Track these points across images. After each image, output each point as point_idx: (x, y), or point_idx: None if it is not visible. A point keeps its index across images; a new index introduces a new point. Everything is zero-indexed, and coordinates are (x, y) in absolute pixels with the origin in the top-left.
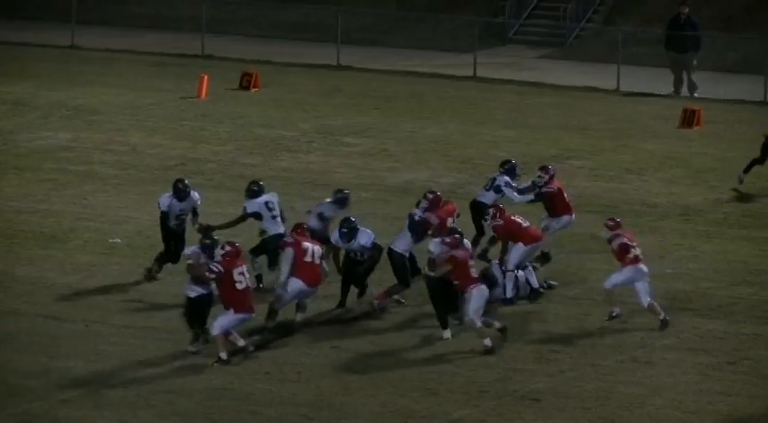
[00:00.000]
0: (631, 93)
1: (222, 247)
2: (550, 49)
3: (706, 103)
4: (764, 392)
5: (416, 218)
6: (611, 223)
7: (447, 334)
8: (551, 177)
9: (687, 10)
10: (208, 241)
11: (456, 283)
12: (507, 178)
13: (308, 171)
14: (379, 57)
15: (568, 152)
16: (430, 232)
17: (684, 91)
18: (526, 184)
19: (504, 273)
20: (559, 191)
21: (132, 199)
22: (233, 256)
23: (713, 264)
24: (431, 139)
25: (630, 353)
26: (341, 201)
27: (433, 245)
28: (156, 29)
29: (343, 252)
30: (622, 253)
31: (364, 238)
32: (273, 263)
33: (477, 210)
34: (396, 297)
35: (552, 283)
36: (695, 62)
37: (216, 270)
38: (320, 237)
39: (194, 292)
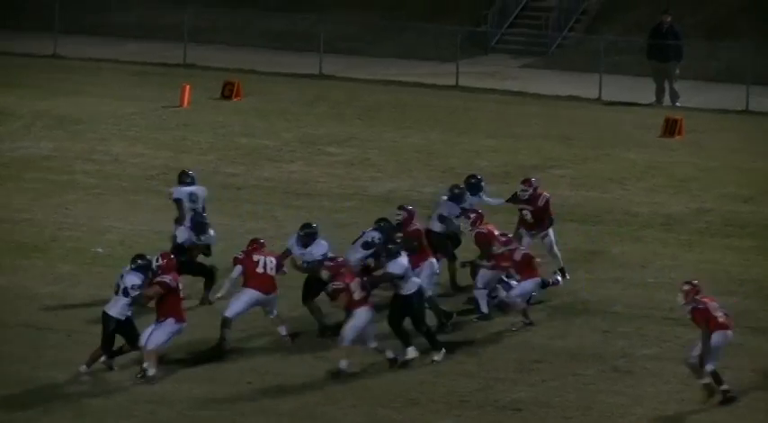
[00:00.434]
0: (613, 102)
1: (157, 260)
2: (533, 59)
3: (688, 112)
4: (746, 402)
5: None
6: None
7: (412, 352)
8: (536, 190)
9: (669, 19)
10: (141, 262)
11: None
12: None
13: (291, 180)
14: (361, 66)
15: (550, 161)
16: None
17: (666, 100)
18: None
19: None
20: (547, 203)
21: (114, 208)
22: (172, 267)
23: (695, 273)
24: (413, 148)
25: (612, 363)
26: (457, 196)
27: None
28: (138, 38)
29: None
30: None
31: (319, 249)
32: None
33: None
34: None
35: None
36: (677, 71)
37: (171, 284)
38: (450, 236)
39: (125, 314)
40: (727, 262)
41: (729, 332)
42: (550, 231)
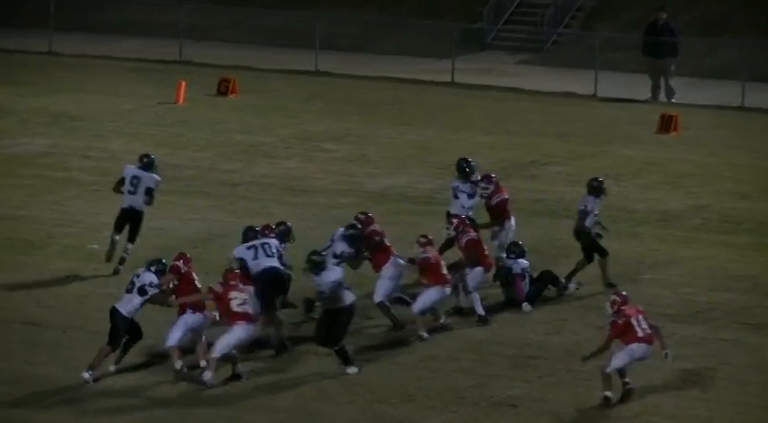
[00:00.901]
0: (609, 98)
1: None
2: (528, 55)
3: (684, 108)
4: (743, 398)
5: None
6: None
7: (352, 369)
8: (497, 185)
9: (665, 16)
10: (159, 266)
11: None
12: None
13: (287, 177)
14: (358, 63)
15: (547, 158)
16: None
17: (662, 96)
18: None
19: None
20: (507, 198)
21: (111, 205)
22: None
23: (692, 269)
24: (410, 144)
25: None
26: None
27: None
28: (134, 35)
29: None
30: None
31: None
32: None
33: None
34: None
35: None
36: (673, 68)
37: (182, 268)
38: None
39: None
40: (724, 258)
41: (649, 347)
42: (502, 232)
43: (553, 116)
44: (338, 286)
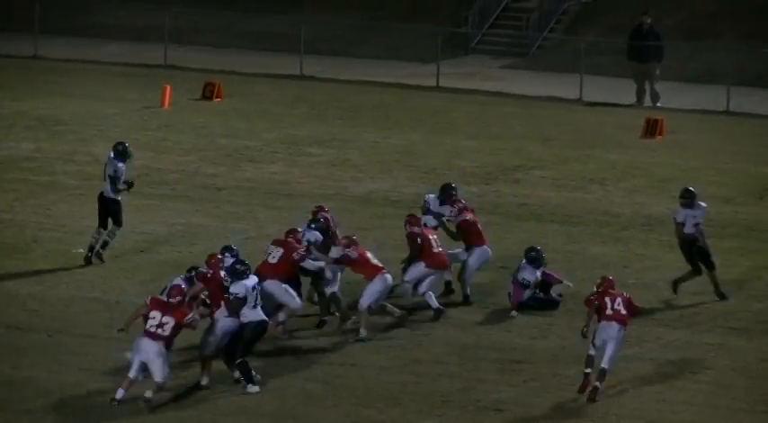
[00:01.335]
0: (594, 103)
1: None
2: (513, 59)
3: (669, 112)
4: (727, 402)
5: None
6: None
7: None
8: (461, 210)
9: (649, 20)
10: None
11: None
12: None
13: (272, 181)
14: (342, 67)
15: (531, 162)
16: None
17: (647, 101)
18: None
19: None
20: (474, 221)
21: (95, 209)
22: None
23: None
24: (394, 149)
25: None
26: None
27: None
28: (119, 39)
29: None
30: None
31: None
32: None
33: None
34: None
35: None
36: (658, 72)
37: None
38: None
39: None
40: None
41: (617, 326)
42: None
43: (538, 120)
44: (240, 301)
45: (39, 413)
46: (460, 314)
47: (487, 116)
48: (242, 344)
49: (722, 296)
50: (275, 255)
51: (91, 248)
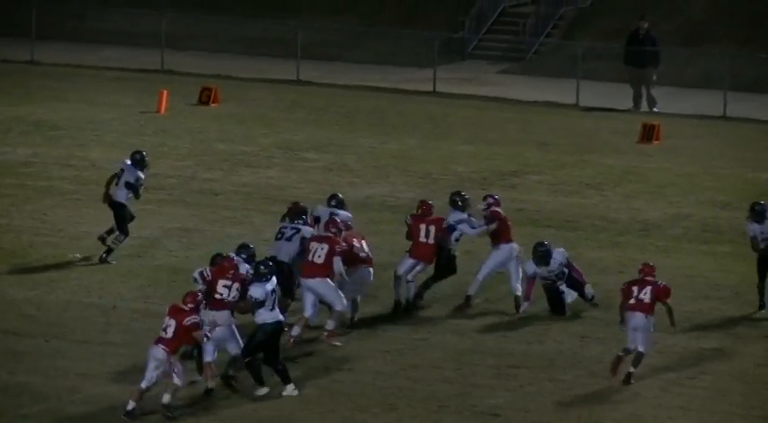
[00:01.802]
0: (591, 108)
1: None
2: (510, 64)
3: (665, 118)
4: (724, 408)
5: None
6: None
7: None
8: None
9: (646, 25)
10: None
11: None
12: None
13: (268, 186)
14: (339, 72)
15: (528, 167)
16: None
17: (644, 106)
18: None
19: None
20: (504, 218)
21: (92, 214)
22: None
23: (673, 279)
24: (391, 154)
25: (589, 368)
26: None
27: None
28: (116, 44)
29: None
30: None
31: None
32: None
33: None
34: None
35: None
36: (654, 77)
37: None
38: None
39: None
40: (705, 268)
41: (637, 314)
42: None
43: (534, 125)
44: (257, 304)
45: (35, 418)
46: (457, 319)
47: (484, 121)
48: (253, 343)
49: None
50: (320, 253)
51: (109, 250)
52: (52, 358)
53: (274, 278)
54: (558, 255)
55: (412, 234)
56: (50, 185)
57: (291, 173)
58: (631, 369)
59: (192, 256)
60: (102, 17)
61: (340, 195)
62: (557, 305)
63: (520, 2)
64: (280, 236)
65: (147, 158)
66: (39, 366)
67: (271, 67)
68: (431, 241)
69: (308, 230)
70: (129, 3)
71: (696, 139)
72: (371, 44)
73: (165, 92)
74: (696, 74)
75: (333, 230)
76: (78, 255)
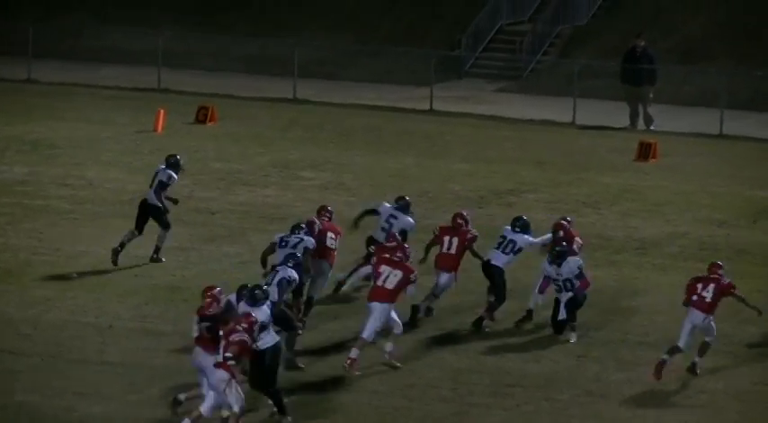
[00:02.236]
0: (588, 126)
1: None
2: (507, 83)
3: (662, 136)
4: None
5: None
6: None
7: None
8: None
9: (643, 43)
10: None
11: None
12: (527, 237)
13: (265, 205)
14: (336, 90)
15: (525, 185)
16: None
17: (641, 124)
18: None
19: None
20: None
21: (88, 233)
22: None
23: (669, 297)
24: (387, 172)
25: (585, 387)
26: None
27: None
28: (112, 62)
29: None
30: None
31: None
32: None
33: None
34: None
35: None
36: (651, 95)
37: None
38: None
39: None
40: None
41: (702, 315)
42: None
43: (531, 144)
44: (261, 328)
45: None
46: (454, 338)
47: (481, 139)
48: (268, 372)
49: None
50: (392, 280)
51: (122, 245)
52: (49, 377)
53: (268, 301)
54: (573, 263)
55: (436, 243)
56: (47, 204)
57: (288, 191)
58: (696, 358)
59: (188, 275)
60: (99, 35)
61: (407, 198)
62: (555, 320)
63: (517, 20)
64: (284, 244)
65: (181, 162)
66: (36, 385)
67: (268, 86)
68: (452, 252)
69: (310, 241)
70: (125, 21)
71: (693, 157)
72: (368, 62)
73: (161, 110)
74: (693, 92)
75: (399, 255)
76: (76, 274)
